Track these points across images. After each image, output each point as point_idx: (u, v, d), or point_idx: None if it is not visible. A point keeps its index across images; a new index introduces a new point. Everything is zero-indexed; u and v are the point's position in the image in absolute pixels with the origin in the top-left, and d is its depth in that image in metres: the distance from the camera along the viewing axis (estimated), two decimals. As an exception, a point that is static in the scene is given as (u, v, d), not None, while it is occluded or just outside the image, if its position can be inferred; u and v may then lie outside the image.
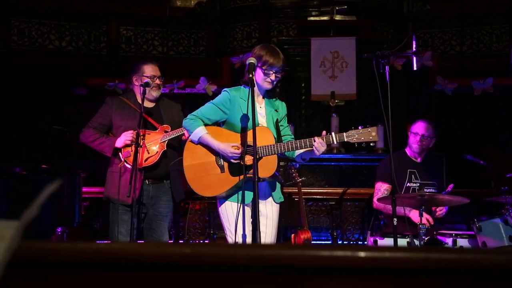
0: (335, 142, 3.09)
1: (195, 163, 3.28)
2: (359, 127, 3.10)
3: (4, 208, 3.46)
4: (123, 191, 3.65)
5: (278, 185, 3.32)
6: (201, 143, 3.25)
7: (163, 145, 3.75)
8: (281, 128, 3.30)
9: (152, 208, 3.81)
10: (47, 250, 1.09)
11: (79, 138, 3.90)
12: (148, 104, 3.89)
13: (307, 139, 3.09)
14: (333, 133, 3.09)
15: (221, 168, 3.22)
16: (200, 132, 3.23)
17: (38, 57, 7.12)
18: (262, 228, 3.15)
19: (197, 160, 3.28)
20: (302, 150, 3.18)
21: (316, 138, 3.05)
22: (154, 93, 3.84)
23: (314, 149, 3.06)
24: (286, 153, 3.21)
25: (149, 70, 3.87)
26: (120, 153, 3.76)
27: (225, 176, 3.20)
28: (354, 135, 3.08)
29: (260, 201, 3.14)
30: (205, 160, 3.25)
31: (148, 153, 3.72)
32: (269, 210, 3.26)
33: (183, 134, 3.70)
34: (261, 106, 3.28)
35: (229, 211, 3.21)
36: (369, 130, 3.09)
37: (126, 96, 3.96)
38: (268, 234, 3.24)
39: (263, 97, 3.31)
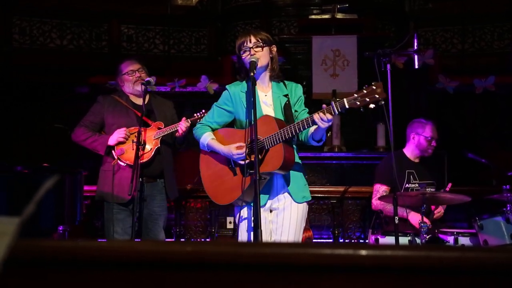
0: (337, 112, 2.71)
1: (210, 172, 3.11)
2: (365, 86, 2.70)
3: (5, 206, 3.47)
4: (118, 189, 3.65)
5: (300, 181, 3.03)
6: (210, 150, 3.10)
7: (157, 142, 3.74)
8: (295, 113, 3.02)
9: (146, 207, 3.80)
10: (49, 248, 1.09)
11: (71, 137, 3.88)
12: (139, 101, 3.87)
13: (308, 117, 2.79)
14: (333, 102, 2.71)
15: (234, 171, 3.01)
16: (205, 139, 3.08)
17: (40, 55, 7.13)
18: (275, 236, 2.99)
19: (212, 168, 3.10)
20: (310, 132, 2.90)
21: (314, 114, 2.75)
22: (138, 88, 3.81)
23: (318, 122, 2.73)
24: (302, 139, 2.97)
25: (127, 67, 3.90)
26: (113, 151, 3.74)
27: (237, 179, 2.98)
28: (357, 99, 2.67)
29: (272, 199, 3.00)
30: (219, 167, 3.07)
31: (142, 150, 3.71)
32: (287, 212, 2.97)
33: (177, 131, 3.70)
34: (267, 95, 3.05)
35: (243, 217, 3.01)
36: (374, 87, 2.68)
37: (118, 95, 3.96)
38: (283, 238, 2.95)
39: (271, 84, 3.08)
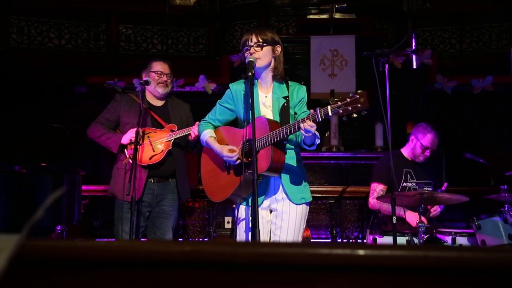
0: (320, 119, 2.71)
1: (208, 168, 3.18)
2: (350, 94, 2.67)
3: (4, 206, 3.47)
4: (128, 188, 3.65)
5: (300, 183, 3.04)
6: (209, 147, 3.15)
7: (169, 144, 3.75)
8: (295, 116, 3.01)
9: (157, 206, 3.82)
10: (46, 248, 1.09)
11: (87, 133, 3.91)
12: (156, 102, 3.91)
13: (295, 122, 2.80)
14: (317, 109, 2.72)
15: (228, 170, 3.07)
16: (205, 136, 3.14)
17: (37, 55, 7.12)
18: (275, 237, 3.01)
19: (210, 165, 3.17)
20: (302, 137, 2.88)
21: (301, 124, 2.73)
22: (159, 90, 3.84)
23: (302, 128, 2.73)
24: (298, 142, 2.96)
25: (158, 66, 3.89)
26: (126, 150, 3.76)
27: (230, 177, 3.05)
28: (341, 107, 2.65)
29: (270, 199, 3.02)
30: (216, 164, 3.14)
31: (154, 151, 3.72)
32: (285, 214, 3.00)
33: (190, 134, 3.70)
34: (267, 96, 3.06)
35: (239, 215, 3.04)
36: (357, 96, 2.63)
37: (136, 94, 3.95)
38: (282, 239, 2.99)
39: (272, 85, 3.07)
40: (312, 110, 2.77)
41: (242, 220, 3.04)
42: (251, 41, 3.01)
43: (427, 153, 4.24)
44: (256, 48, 2.99)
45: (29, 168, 3.65)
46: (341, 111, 2.66)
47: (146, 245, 1.11)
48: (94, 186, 5.04)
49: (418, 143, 4.25)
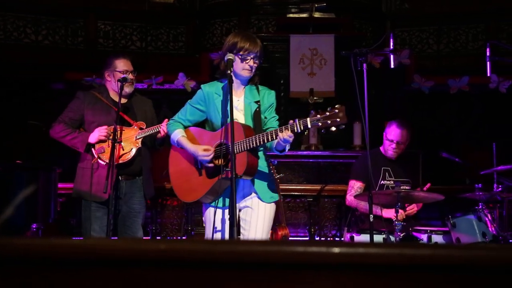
0: (299, 130, 2.79)
1: (178, 168, 3.18)
2: (329, 108, 2.76)
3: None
4: (96, 187, 3.60)
5: (267, 183, 3.11)
6: (180, 146, 3.15)
7: (138, 142, 3.71)
8: (264, 120, 3.09)
9: (125, 204, 3.77)
10: (21, 246, 1.07)
11: (49, 133, 3.80)
12: (121, 100, 3.84)
13: (273, 130, 2.88)
14: (297, 120, 2.80)
15: (199, 172, 3.09)
16: (176, 135, 3.13)
17: (14, 51, 7.01)
18: (244, 232, 3.07)
19: (180, 165, 3.17)
20: (275, 143, 2.94)
21: (279, 133, 2.82)
22: (127, 89, 3.77)
23: (280, 138, 2.82)
24: (268, 147, 3.02)
25: (121, 65, 3.82)
26: (93, 149, 3.69)
27: (202, 179, 3.07)
28: (320, 120, 2.74)
29: (240, 198, 3.06)
30: (187, 164, 3.14)
31: (123, 150, 3.67)
32: (255, 212, 3.07)
33: (159, 132, 3.68)
34: (239, 99, 3.10)
35: (207, 216, 3.10)
36: (336, 111, 2.73)
37: (98, 91, 3.88)
38: (251, 235, 3.05)
39: (244, 89, 3.13)
40: (291, 121, 2.83)
41: (210, 220, 3.06)
42: (256, 52, 3.04)
43: (393, 145, 4.28)
44: (256, 62, 3.05)
45: (3, 165, 3.59)
46: (320, 124, 2.75)
47: (121, 243, 1.11)
48: (71, 184, 4.97)
49: (386, 140, 4.33)
